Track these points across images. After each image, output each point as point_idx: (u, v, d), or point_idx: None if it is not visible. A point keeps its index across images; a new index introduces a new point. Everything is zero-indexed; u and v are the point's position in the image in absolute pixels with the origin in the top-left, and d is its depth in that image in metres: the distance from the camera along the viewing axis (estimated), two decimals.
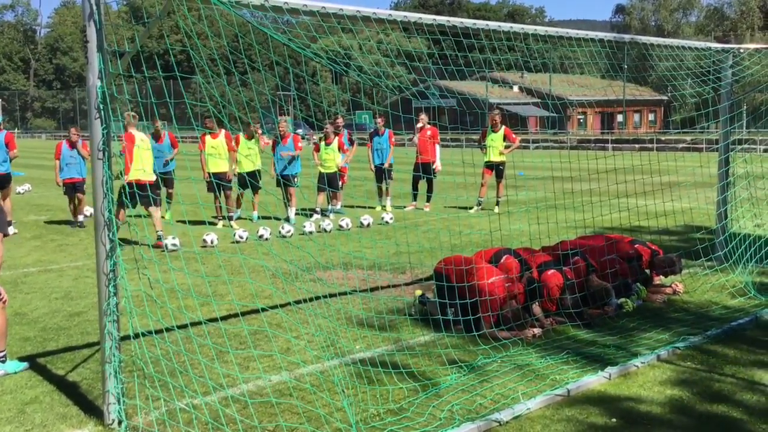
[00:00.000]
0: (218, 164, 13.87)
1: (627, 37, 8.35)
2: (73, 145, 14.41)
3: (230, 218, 14.03)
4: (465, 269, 6.91)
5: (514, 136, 16.11)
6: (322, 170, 15.35)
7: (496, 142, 15.83)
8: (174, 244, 10.98)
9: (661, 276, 8.51)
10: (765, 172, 10.20)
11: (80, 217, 14.33)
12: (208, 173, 13.61)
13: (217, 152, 13.88)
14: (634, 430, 4.80)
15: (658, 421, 4.93)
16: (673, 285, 8.32)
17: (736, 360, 6.13)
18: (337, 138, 15.58)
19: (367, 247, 11.33)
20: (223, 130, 13.98)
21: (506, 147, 15.98)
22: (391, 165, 16.52)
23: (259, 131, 14.58)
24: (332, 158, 15.35)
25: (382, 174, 16.57)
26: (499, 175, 15.96)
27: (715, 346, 6.49)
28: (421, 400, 5.26)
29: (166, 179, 13.95)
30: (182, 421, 4.83)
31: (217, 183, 13.41)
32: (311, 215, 14.61)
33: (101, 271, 4.85)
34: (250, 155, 14.09)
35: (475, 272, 6.89)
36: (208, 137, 13.82)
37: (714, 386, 5.56)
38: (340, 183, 15.90)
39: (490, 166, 15.97)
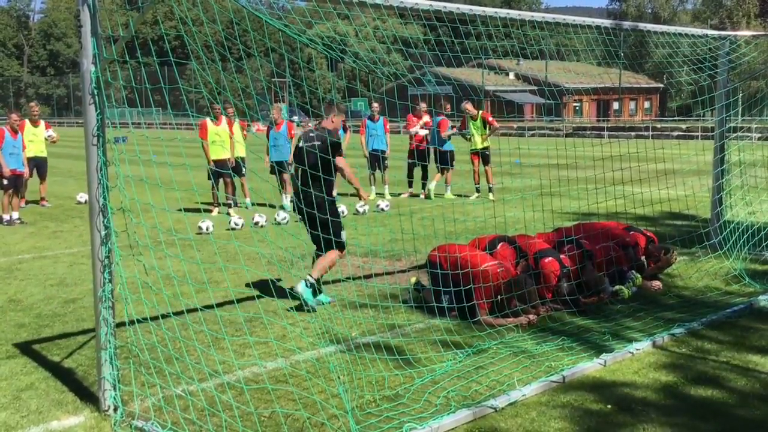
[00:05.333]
0: (220, 152, 13.79)
1: (625, 24, 8.33)
2: (16, 132, 13.53)
3: (229, 205, 13.92)
4: (459, 256, 6.91)
5: (491, 118, 15.97)
6: None
7: (477, 129, 15.80)
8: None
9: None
10: (758, 160, 10.21)
11: (15, 214, 13.30)
12: (213, 161, 13.56)
13: (221, 139, 13.79)
14: (629, 416, 4.82)
15: (653, 407, 4.95)
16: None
17: (731, 346, 6.16)
18: None
19: (363, 234, 11.32)
20: (224, 117, 13.93)
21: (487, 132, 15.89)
22: (384, 152, 16.52)
23: (231, 114, 14.48)
24: None
25: (376, 161, 16.57)
26: (486, 161, 15.94)
27: (710, 332, 6.52)
28: (417, 386, 5.27)
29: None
30: (178, 407, 4.84)
31: (218, 171, 13.32)
32: None
33: (96, 257, 4.84)
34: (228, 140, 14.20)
35: (469, 259, 6.89)
36: (210, 125, 13.69)
37: (709, 372, 5.58)
38: None
39: (476, 152, 15.96)
